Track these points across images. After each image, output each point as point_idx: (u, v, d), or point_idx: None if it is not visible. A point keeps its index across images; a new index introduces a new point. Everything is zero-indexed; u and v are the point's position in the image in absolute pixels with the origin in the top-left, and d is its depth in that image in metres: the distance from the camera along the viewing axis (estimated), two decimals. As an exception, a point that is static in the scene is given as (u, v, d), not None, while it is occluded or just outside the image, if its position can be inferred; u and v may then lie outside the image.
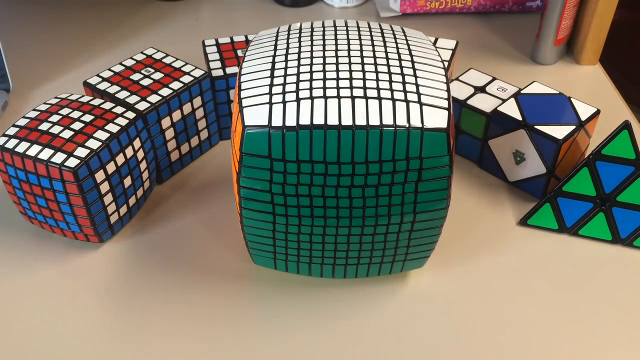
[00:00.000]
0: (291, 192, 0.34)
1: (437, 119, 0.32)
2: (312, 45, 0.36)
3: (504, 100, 0.50)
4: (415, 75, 0.34)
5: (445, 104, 0.33)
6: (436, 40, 0.55)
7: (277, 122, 0.32)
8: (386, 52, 0.35)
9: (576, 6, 0.61)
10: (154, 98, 0.47)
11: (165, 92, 0.47)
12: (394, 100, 0.32)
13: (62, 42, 0.70)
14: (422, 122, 0.32)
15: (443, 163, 0.33)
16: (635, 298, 0.42)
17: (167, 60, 0.51)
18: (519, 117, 0.47)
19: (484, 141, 0.50)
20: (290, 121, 0.32)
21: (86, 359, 0.38)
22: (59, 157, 0.40)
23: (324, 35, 0.37)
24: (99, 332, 0.40)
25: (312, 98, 0.32)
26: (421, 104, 0.33)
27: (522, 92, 0.50)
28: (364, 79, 0.33)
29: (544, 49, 0.63)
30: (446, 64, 0.52)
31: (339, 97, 0.32)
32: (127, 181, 0.44)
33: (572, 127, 0.46)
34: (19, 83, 0.63)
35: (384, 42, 0.36)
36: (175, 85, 0.48)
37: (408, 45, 0.37)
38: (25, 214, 0.45)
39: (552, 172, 0.47)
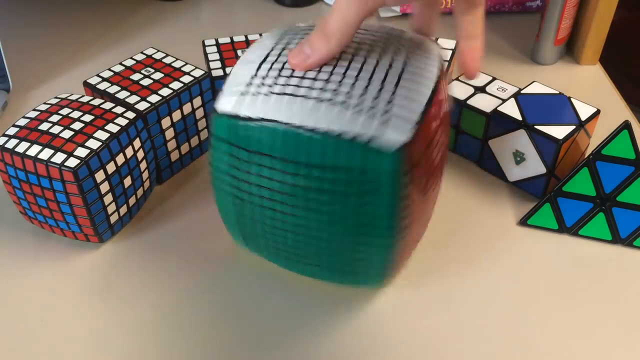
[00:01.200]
0: (243, 177, 0.34)
1: (395, 133, 0.31)
2: None
3: (504, 100, 0.50)
4: (395, 87, 0.33)
5: (412, 120, 0.31)
6: (436, 40, 0.55)
7: (239, 110, 0.33)
8: (378, 59, 0.34)
9: (576, 6, 0.61)
10: (154, 98, 0.47)
11: (165, 92, 0.47)
12: (356, 106, 0.31)
13: (62, 42, 0.70)
14: (374, 132, 0.31)
15: (389, 182, 0.31)
16: (635, 298, 0.42)
17: (167, 60, 0.51)
18: (519, 117, 0.47)
19: (484, 141, 0.50)
20: (248, 112, 0.33)
21: (86, 358, 0.38)
22: (59, 157, 0.40)
23: None
24: (99, 332, 0.40)
25: (282, 94, 0.33)
26: (386, 115, 0.31)
27: (522, 92, 0.50)
28: (339, 82, 0.33)
29: (544, 49, 0.63)
30: (446, 64, 0.52)
31: (305, 96, 0.32)
32: (127, 181, 0.44)
33: (572, 127, 0.46)
34: (19, 83, 0.63)
35: (383, 48, 0.35)
36: (175, 85, 0.48)
37: (407, 54, 0.35)
38: (25, 214, 0.45)
39: (552, 172, 0.47)
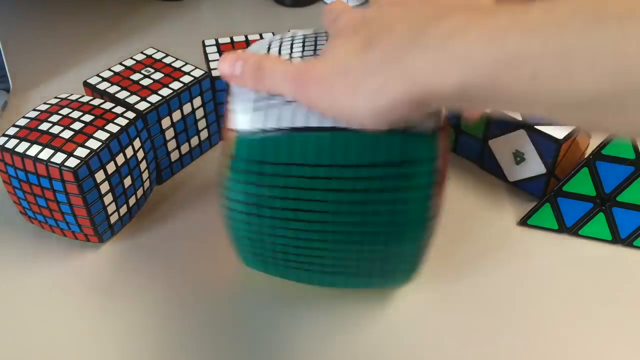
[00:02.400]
0: (266, 193, 0.34)
1: (429, 119, 0.31)
2: (303, 51, 0.35)
3: (504, 100, 0.50)
4: None
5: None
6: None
7: (262, 125, 0.32)
8: None
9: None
10: (154, 98, 0.47)
11: (165, 92, 0.47)
12: None
13: (62, 42, 0.70)
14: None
15: (425, 169, 0.32)
16: (635, 298, 0.42)
17: (167, 60, 0.51)
18: (519, 117, 0.47)
19: (484, 141, 0.50)
20: (273, 124, 0.32)
21: (86, 358, 0.38)
22: (59, 157, 0.40)
23: (316, 42, 0.36)
24: (99, 331, 0.40)
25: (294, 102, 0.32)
26: None
27: (522, 92, 0.50)
28: None
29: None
30: None
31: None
32: (127, 181, 0.44)
33: (573, 127, 0.46)
34: (19, 83, 0.63)
35: None
36: (175, 85, 0.48)
37: None
38: (25, 214, 0.45)
39: (552, 172, 0.47)
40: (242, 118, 0.33)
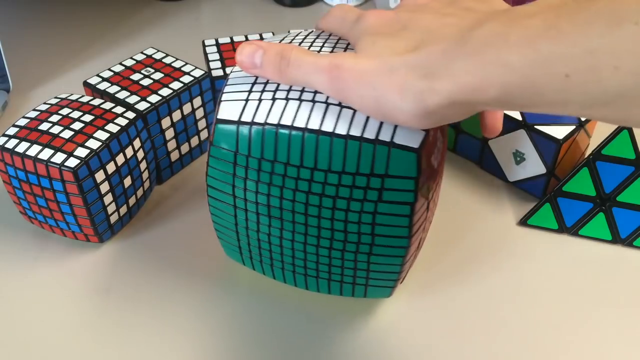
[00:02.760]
0: (252, 188, 0.34)
1: (410, 137, 0.30)
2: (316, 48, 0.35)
3: (504, 100, 0.50)
4: None
5: None
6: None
7: (247, 117, 0.32)
8: None
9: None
10: (154, 98, 0.47)
11: (165, 92, 0.47)
12: None
13: (62, 42, 0.70)
14: (392, 137, 0.30)
15: (407, 187, 0.31)
16: (635, 298, 0.42)
17: (167, 60, 0.51)
18: (519, 117, 0.47)
19: (484, 141, 0.50)
20: (260, 118, 0.31)
21: (85, 358, 0.38)
22: (59, 157, 0.40)
23: (322, 43, 0.36)
24: (99, 332, 0.40)
25: (287, 99, 0.32)
26: None
27: (522, 92, 0.50)
28: None
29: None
30: None
31: (313, 101, 0.31)
32: (127, 181, 0.44)
33: (572, 127, 0.46)
34: (19, 83, 0.63)
35: None
36: (175, 85, 0.48)
37: None
38: (25, 214, 0.45)
39: (552, 172, 0.47)
40: (226, 107, 0.32)
